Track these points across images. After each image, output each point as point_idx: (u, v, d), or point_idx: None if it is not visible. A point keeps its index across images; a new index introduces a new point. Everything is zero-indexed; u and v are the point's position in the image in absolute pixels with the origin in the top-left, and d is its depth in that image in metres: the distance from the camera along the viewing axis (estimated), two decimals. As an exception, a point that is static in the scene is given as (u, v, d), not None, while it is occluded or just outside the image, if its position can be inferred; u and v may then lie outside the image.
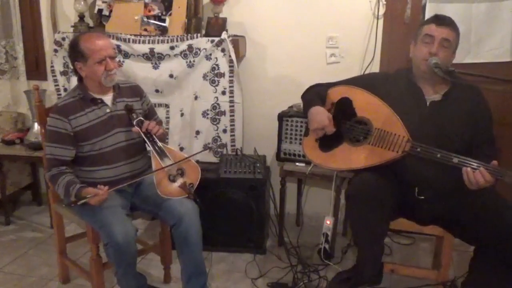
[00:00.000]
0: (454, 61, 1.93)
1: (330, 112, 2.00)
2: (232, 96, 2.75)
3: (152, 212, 2.14)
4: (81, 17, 2.86)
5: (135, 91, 2.17)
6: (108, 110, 2.03)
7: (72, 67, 2.04)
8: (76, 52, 1.96)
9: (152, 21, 2.70)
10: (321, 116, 1.94)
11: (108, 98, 2.05)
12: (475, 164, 1.65)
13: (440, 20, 1.87)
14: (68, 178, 1.92)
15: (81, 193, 1.85)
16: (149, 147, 1.99)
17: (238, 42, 2.70)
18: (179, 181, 1.97)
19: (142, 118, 2.03)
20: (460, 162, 1.68)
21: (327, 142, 2.00)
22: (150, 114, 2.22)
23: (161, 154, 1.98)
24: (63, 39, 2.79)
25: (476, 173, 1.64)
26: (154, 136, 2.00)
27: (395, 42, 2.70)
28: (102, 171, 2.02)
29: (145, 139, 1.99)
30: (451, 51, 1.88)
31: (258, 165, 2.55)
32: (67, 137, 1.96)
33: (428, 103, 1.90)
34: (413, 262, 2.55)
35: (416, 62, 1.92)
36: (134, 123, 2.00)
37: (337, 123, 1.97)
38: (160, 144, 2.00)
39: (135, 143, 2.09)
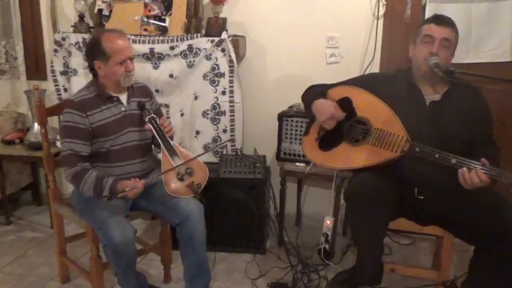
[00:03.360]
0: (454, 61, 1.92)
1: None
2: (232, 96, 2.75)
3: (156, 212, 2.13)
4: (81, 17, 2.85)
5: (146, 91, 2.18)
6: (123, 109, 2.03)
7: (87, 65, 2.04)
8: (97, 51, 1.94)
9: (152, 21, 2.70)
10: (326, 105, 1.95)
11: (123, 97, 2.05)
12: (473, 165, 1.65)
13: (440, 19, 1.87)
14: (95, 173, 1.90)
15: (116, 186, 1.85)
16: (160, 144, 1.98)
17: (238, 42, 2.70)
18: (187, 180, 1.98)
19: (155, 116, 2.03)
20: (458, 163, 1.68)
21: (326, 142, 2.00)
22: (157, 114, 2.21)
23: (172, 152, 1.98)
24: (63, 39, 2.79)
25: (471, 173, 1.64)
26: (166, 134, 2.00)
27: (395, 42, 2.70)
28: (109, 169, 2.01)
29: (157, 136, 1.98)
30: (451, 51, 1.88)
31: (258, 165, 2.55)
32: (86, 132, 1.94)
33: (427, 103, 1.90)
34: (413, 262, 2.55)
35: (416, 62, 1.92)
36: (147, 119, 2.00)
37: (337, 123, 1.97)
38: (171, 142, 2.01)
39: (145, 143, 2.10)
